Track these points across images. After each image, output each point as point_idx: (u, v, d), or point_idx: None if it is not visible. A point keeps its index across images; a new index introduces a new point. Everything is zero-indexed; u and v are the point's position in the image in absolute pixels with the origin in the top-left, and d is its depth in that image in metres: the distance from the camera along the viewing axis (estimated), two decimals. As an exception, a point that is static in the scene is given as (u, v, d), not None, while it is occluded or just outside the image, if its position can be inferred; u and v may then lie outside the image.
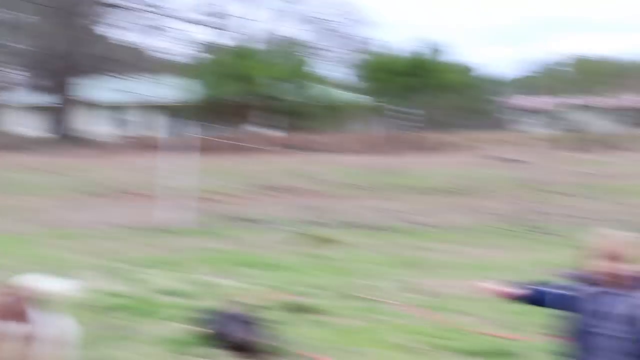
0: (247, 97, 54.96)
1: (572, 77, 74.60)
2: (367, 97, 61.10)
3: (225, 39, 63.83)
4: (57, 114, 57.63)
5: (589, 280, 5.05)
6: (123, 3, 60.43)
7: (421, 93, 58.80)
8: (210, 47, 63.55)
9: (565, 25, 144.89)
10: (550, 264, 14.21)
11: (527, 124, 68.53)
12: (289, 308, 10.68)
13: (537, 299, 5.38)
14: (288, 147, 46.47)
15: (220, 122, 56.59)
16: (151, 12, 62.11)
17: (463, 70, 69.05)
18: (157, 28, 63.26)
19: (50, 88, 58.99)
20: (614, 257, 4.96)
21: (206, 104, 55.35)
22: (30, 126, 58.34)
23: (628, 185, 28.84)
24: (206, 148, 44.99)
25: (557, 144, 47.25)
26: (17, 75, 65.08)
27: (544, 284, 5.45)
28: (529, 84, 73.91)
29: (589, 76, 71.28)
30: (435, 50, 60.68)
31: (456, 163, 36.42)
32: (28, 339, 5.87)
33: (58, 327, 5.94)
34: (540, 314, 9.75)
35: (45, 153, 43.86)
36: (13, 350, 5.85)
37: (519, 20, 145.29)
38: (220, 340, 8.76)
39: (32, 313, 5.93)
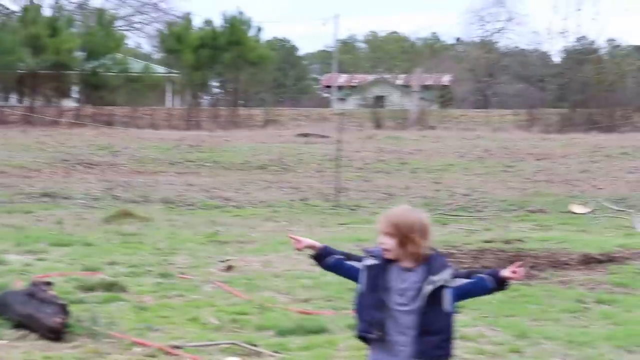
0: (39, 66, 52.61)
1: (380, 55, 76.14)
2: (174, 70, 60.23)
3: (14, 4, 61.19)
4: None
5: (379, 254, 5.16)
6: None
7: (229, 67, 58.49)
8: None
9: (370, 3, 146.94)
10: (354, 240, 14.54)
11: (337, 101, 69.59)
12: (90, 287, 10.42)
13: (330, 264, 5.45)
14: (87, 120, 45.47)
15: (11, 92, 54.49)
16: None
17: (270, 46, 69.33)
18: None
19: None
20: (393, 233, 5.09)
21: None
22: None
23: (429, 163, 29.83)
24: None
25: (365, 121, 48.31)
26: None
27: (342, 254, 5.53)
28: (338, 61, 74.98)
29: (395, 54, 73.02)
30: (240, 24, 60.22)
31: (265, 139, 36.65)
32: None
33: None
34: (349, 290, 9.96)
35: None
36: None
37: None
38: (17, 319, 8.50)
39: None
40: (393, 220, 5.16)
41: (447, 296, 5.10)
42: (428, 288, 5.04)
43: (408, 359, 5.10)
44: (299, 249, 5.52)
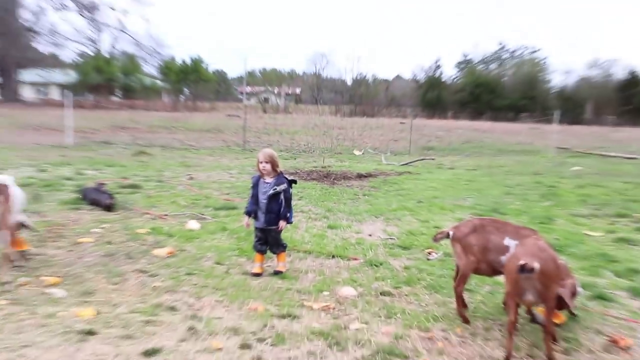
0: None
1: (264, 77, 74.13)
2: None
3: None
4: None
5: (257, 174, 5.14)
6: None
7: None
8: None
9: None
10: (249, 166, 14.34)
11: (246, 99, 67.90)
12: (124, 186, 10.11)
13: (255, 205, 5.21)
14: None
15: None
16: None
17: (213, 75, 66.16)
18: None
19: None
20: (271, 162, 5.07)
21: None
22: None
23: (293, 129, 29.53)
24: None
25: (260, 109, 47.42)
26: None
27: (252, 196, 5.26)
28: (246, 80, 72.62)
29: (272, 77, 71.21)
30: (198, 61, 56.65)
31: (210, 117, 35.33)
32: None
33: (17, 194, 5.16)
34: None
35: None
36: None
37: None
38: (89, 201, 8.23)
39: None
40: (271, 155, 5.16)
41: (281, 196, 5.10)
42: (271, 192, 5.06)
43: (263, 224, 5.10)
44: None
